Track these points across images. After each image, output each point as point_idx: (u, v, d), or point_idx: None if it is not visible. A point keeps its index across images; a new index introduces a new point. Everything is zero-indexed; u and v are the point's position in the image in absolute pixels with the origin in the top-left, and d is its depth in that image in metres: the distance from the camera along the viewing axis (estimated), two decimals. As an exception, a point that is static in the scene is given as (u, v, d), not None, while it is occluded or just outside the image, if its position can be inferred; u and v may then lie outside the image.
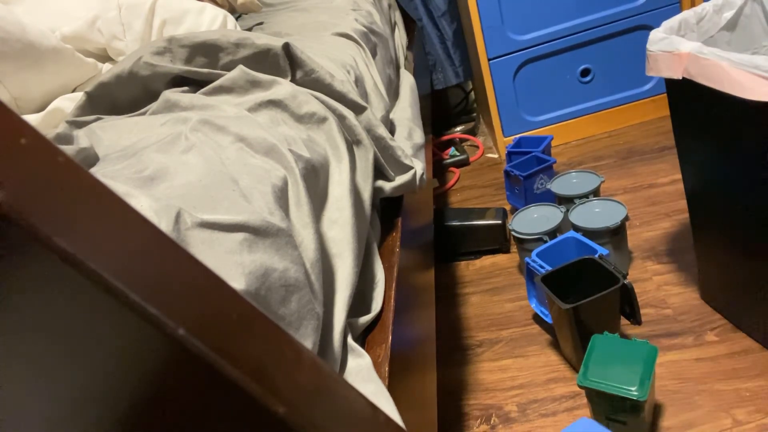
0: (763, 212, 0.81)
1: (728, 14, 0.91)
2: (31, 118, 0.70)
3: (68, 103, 0.72)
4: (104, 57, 0.89)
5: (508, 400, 0.99)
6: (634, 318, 0.96)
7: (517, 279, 1.28)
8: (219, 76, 0.66)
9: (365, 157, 0.68)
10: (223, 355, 0.24)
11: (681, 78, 0.80)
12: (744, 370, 0.90)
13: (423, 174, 0.75)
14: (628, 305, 0.95)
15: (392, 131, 0.87)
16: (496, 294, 1.26)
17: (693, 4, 1.53)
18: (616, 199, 1.17)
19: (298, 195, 0.50)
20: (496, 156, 1.84)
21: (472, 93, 2.12)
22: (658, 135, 1.62)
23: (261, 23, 1.22)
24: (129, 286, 0.22)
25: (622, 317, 0.99)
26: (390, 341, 0.56)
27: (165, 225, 0.37)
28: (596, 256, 0.99)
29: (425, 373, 0.71)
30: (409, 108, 0.98)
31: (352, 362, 0.51)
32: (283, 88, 0.64)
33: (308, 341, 0.44)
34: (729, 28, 0.92)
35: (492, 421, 0.97)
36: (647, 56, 0.85)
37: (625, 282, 0.92)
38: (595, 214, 1.16)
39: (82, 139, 0.55)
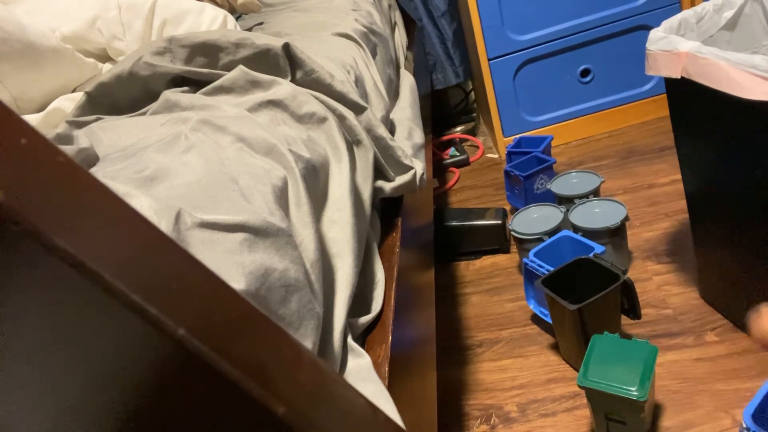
0: (763, 212, 0.81)
1: (728, 14, 0.91)
2: (31, 118, 0.70)
3: (68, 103, 0.72)
4: (104, 57, 0.89)
5: (508, 400, 0.99)
6: (634, 313, 0.96)
7: (517, 279, 1.28)
8: (219, 76, 0.66)
9: (365, 157, 0.68)
10: (223, 355, 0.24)
11: (680, 77, 0.80)
12: (744, 370, 0.90)
13: (423, 174, 0.75)
14: (627, 300, 0.95)
15: (392, 131, 0.87)
16: (496, 294, 1.26)
17: (693, 4, 1.53)
18: (616, 199, 1.17)
19: (298, 195, 0.50)
20: (496, 156, 1.84)
21: (472, 93, 2.12)
22: (658, 135, 1.62)
23: (261, 23, 1.22)
24: (129, 286, 0.22)
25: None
26: (390, 341, 0.56)
27: (165, 225, 0.37)
28: (591, 255, 0.99)
29: (425, 373, 0.71)
30: (409, 108, 0.98)
31: (352, 362, 0.51)
32: (283, 88, 0.64)
33: (308, 341, 0.44)
34: (729, 27, 0.92)
35: (492, 421, 0.97)
36: (647, 55, 0.85)
37: (626, 278, 0.92)
38: (595, 214, 1.16)
39: (82, 139, 0.55)
